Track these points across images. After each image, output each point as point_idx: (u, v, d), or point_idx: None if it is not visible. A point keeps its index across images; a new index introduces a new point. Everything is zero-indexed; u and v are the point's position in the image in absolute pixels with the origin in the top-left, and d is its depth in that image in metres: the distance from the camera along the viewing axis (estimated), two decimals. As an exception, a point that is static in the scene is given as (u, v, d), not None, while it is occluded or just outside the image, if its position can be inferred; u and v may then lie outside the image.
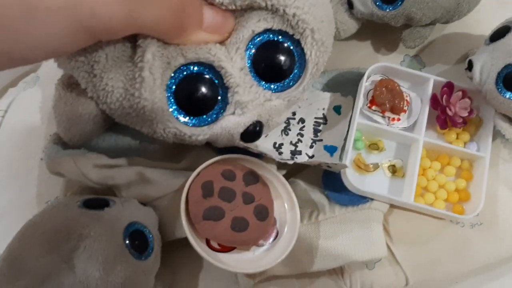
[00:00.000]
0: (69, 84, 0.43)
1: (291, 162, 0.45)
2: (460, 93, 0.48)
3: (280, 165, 0.49)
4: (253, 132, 0.43)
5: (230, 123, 0.42)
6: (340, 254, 0.47)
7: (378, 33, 0.55)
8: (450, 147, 0.49)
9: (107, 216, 0.39)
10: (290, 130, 0.51)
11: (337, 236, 0.47)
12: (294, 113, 0.51)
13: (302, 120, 0.51)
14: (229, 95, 0.41)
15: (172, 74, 0.40)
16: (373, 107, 0.49)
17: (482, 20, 0.55)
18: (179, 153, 0.49)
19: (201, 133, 0.42)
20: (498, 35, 0.47)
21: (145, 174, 0.45)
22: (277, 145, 0.50)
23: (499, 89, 0.45)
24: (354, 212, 0.48)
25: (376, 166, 0.50)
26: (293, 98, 0.44)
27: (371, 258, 0.47)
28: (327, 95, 0.52)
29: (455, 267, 0.50)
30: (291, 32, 0.41)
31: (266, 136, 0.50)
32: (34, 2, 0.30)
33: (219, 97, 0.41)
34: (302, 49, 0.42)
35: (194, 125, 0.42)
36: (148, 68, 0.38)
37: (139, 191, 0.45)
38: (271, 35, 0.42)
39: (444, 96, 0.48)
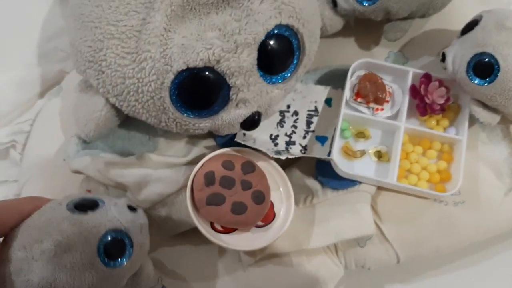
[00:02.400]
0: (85, 87, 0.50)
1: (283, 157, 0.50)
2: (437, 82, 0.53)
3: (278, 156, 0.55)
4: (252, 121, 0.48)
5: (231, 115, 0.47)
6: (332, 232, 0.52)
7: (364, 32, 0.60)
8: (430, 132, 0.54)
9: (87, 222, 0.41)
10: (285, 122, 0.56)
11: (329, 217, 0.52)
12: (288, 106, 0.56)
13: (296, 113, 0.56)
14: (231, 93, 0.45)
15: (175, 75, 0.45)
16: (359, 99, 0.54)
17: (460, 16, 0.58)
18: (185, 149, 0.55)
19: (203, 122, 0.47)
20: (467, 28, 0.52)
21: (153, 174, 0.51)
22: (273, 137, 0.55)
23: (470, 77, 0.50)
24: (344, 194, 0.53)
25: (363, 152, 0.54)
26: (289, 87, 0.50)
27: (360, 235, 0.52)
28: (320, 88, 0.57)
29: (443, 243, 0.54)
30: (296, 25, 0.46)
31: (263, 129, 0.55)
32: None
33: (220, 94, 0.46)
34: (299, 41, 0.47)
35: (195, 117, 0.47)
36: (149, 70, 0.43)
37: (149, 189, 0.51)
38: (279, 31, 0.45)
39: (422, 86, 0.53)
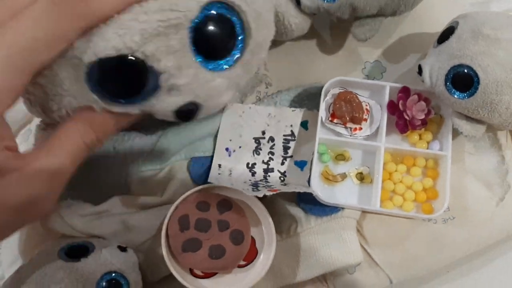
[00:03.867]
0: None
1: (261, 195, 0.47)
2: (416, 96, 0.50)
3: (259, 184, 0.52)
4: (188, 111, 0.41)
5: (163, 103, 0.39)
6: (319, 263, 0.50)
7: (338, 44, 0.57)
8: (412, 149, 0.51)
9: (82, 269, 0.42)
10: (261, 149, 0.53)
11: (314, 247, 0.50)
12: (263, 132, 0.54)
13: (271, 139, 0.54)
14: (161, 78, 0.37)
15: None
16: (335, 120, 0.52)
17: (436, 18, 0.55)
18: (160, 188, 0.52)
19: (132, 110, 0.40)
20: (443, 37, 0.49)
21: (128, 221, 0.49)
22: (250, 165, 0.53)
23: (449, 90, 0.47)
24: (329, 221, 0.51)
25: (344, 176, 0.52)
26: (235, 77, 0.42)
27: (347, 264, 0.49)
28: (294, 111, 0.54)
29: (434, 261, 0.52)
30: (237, 2, 0.39)
31: (239, 158, 0.53)
32: None
33: (148, 81, 0.37)
34: (242, 22, 0.40)
35: (116, 104, 0.39)
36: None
37: (124, 238, 0.49)
38: (215, 7, 0.38)
39: (400, 101, 0.50)
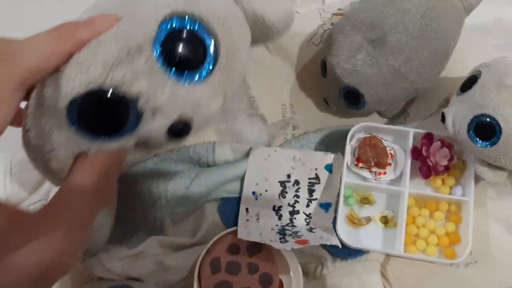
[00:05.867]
0: None
1: (288, 248, 0.48)
2: (439, 142, 0.52)
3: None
4: (180, 129, 0.40)
5: (150, 129, 0.38)
6: (343, 305, 0.51)
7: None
8: (435, 195, 0.52)
9: None
10: (286, 193, 0.55)
11: (340, 289, 0.52)
12: (289, 176, 0.55)
13: (297, 182, 0.55)
14: (139, 104, 0.36)
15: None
16: (360, 164, 0.53)
17: (459, 63, 0.57)
18: (193, 228, 0.54)
19: (125, 144, 0.38)
20: (466, 86, 0.50)
21: (164, 262, 0.50)
22: (276, 208, 0.55)
23: (472, 138, 0.48)
24: (353, 264, 0.52)
25: (369, 219, 0.53)
26: (217, 84, 0.41)
27: (372, 306, 0.51)
28: (319, 154, 0.56)
29: (457, 304, 0.53)
30: (197, 13, 0.38)
31: (265, 202, 0.55)
32: None
33: (129, 111, 0.36)
34: (207, 30, 0.39)
35: (108, 141, 0.37)
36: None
37: (160, 279, 0.51)
38: (176, 21, 0.37)
39: (424, 147, 0.52)
